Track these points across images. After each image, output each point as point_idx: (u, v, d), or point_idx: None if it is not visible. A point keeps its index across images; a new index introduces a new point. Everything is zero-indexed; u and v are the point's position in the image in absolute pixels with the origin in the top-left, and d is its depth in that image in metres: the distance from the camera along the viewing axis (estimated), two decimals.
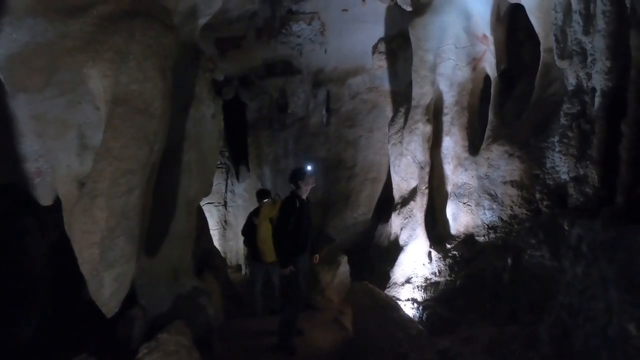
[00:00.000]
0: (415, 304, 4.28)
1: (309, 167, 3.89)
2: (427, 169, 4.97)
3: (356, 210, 7.13)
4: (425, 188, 4.97)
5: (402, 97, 6.29)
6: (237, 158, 9.06)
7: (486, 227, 4.15)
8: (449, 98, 4.87)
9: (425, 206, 4.93)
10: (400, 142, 5.44)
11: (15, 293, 3.67)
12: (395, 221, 5.32)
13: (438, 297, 4.20)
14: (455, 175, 4.71)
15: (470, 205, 4.38)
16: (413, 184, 5.20)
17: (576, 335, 2.03)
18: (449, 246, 4.51)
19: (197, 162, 3.59)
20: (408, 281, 4.62)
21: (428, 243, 4.73)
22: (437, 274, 4.42)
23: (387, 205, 6.31)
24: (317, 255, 4.10)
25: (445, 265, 4.40)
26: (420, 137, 4.97)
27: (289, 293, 3.73)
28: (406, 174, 5.28)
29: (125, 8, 2.48)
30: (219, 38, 6.79)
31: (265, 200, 4.95)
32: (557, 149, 3.28)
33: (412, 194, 5.17)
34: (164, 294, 3.42)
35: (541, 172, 3.60)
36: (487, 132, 4.39)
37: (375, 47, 6.94)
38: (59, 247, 3.83)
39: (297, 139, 7.69)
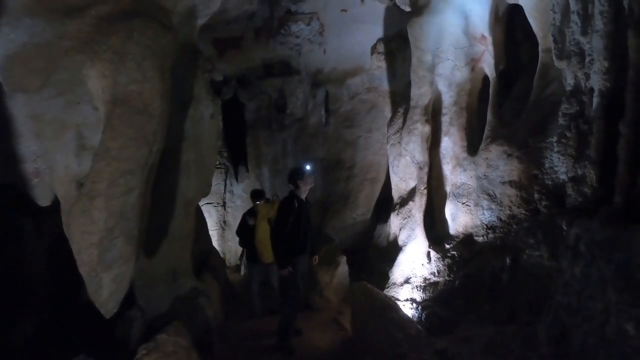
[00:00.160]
0: (414, 304, 4.28)
1: (307, 167, 3.87)
2: (426, 169, 4.98)
3: (355, 211, 7.14)
4: (424, 188, 4.97)
5: (400, 98, 6.30)
6: (236, 158, 9.05)
7: (485, 227, 4.16)
8: (447, 98, 4.88)
9: (424, 206, 4.94)
10: (399, 143, 5.44)
11: (13, 294, 3.66)
12: (394, 221, 5.33)
13: (437, 297, 4.20)
14: (454, 175, 4.71)
15: (469, 206, 4.39)
16: (412, 184, 5.20)
17: (574, 335, 2.03)
18: (447, 246, 4.52)
19: (195, 163, 3.58)
20: (407, 281, 4.62)
21: (427, 243, 4.73)
22: (436, 274, 4.42)
23: (386, 205, 6.31)
24: (317, 257, 4.09)
25: (444, 265, 4.41)
26: (419, 137, 4.97)
27: (287, 294, 3.73)
28: (405, 174, 5.28)
29: (124, 8, 2.48)
30: (217, 38, 6.79)
31: (258, 202, 4.92)
32: (555, 149, 3.29)
33: (411, 194, 5.17)
34: (162, 295, 3.42)
35: (540, 172, 3.61)
36: (486, 133, 4.40)
37: (374, 48, 6.95)
38: (57, 247, 3.82)
39: (296, 140, 7.68)
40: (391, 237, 5.42)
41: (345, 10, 6.50)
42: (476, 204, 4.29)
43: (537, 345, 2.25)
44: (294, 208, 3.57)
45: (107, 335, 3.19)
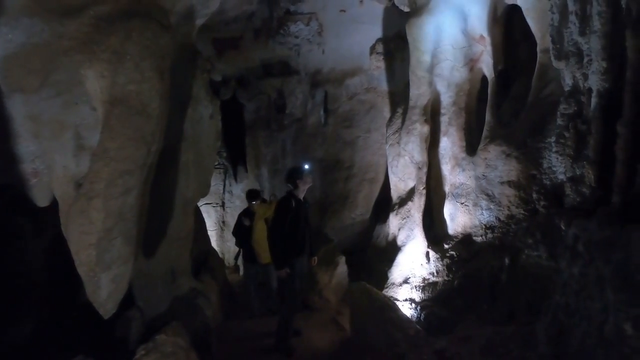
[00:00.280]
0: (413, 304, 4.29)
1: (306, 166, 3.85)
2: (425, 170, 4.98)
3: (354, 211, 7.14)
4: (423, 188, 4.97)
5: (399, 98, 6.30)
6: (235, 159, 9.04)
7: (484, 227, 4.16)
8: (446, 99, 4.88)
9: (423, 206, 4.94)
10: (397, 143, 5.44)
11: (11, 294, 3.65)
12: (393, 221, 5.33)
13: (436, 297, 4.20)
14: (452, 175, 4.72)
15: (467, 206, 4.39)
16: (411, 184, 5.20)
17: (573, 335, 2.03)
18: (446, 246, 4.52)
19: (194, 163, 3.58)
20: (406, 281, 4.62)
21: (426, 243, 4.74)
22: (435, 274, 4.42)
23: (384, 205, 6.32)
24: (316, 258, 4.05)
25: (443, 265, 4.41)
26: (418, 137, 4.97)
27: (284, 295, 3.71)
28: (404, 174, 5.29)
29: (122, 8, 2.48)
30: (216, 38, 6.79)
31: (254, 202, 4.92)
32: (553, 149, 3.29)
33: (410, 195, 5.17)
34: (161, 295, 3.41)
35: (538, 172, 3.61)
36: (485, 133, 4.41)
37: (372, 48, 6.95)
38: (55, 248, 3.82)
39: (294, 140, 7.68)
40: (390, 237, 5.42)
41: (344, 11, 6.51)
42: (475, 204, 4.29)
43: (535, 345, 2.26)
44: (291, 208, 3.53)
45: (106, 335, 3.18)
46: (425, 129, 4.95)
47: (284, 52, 7.12)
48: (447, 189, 4.76)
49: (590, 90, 2.60)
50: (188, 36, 3.42)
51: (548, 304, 2.32)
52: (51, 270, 4.01)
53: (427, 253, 4.63)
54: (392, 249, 5.16)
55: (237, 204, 8.72)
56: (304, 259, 3.73)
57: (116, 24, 2.41)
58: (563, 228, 2.87)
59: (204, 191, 3.88)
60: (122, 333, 3.15)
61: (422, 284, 4.45)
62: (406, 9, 5.17)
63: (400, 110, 5.79)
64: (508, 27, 4.71)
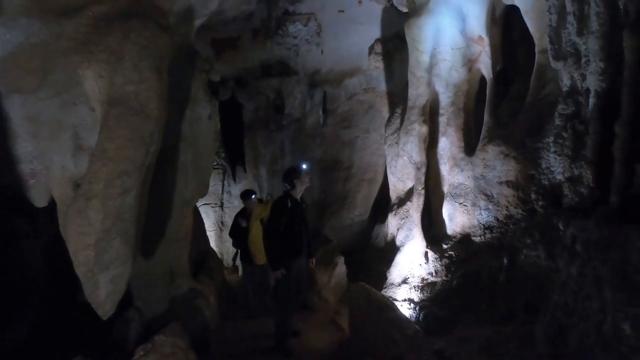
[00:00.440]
0: (412, 304, 4.29)
1: (304, 166, 3.77)
2: (424, 170, 4.99)
3: (353, 211, 7.14)
4: (422, 188, 4.98)
5: (398, 98, 6.31)
6: (234, 159, 9.03)
7: (482, 227, 4.17)
8: (444, 99, 4.89)
9: (421, 207, 4.95)
10: (396, 143, 5.45)
11: (10, 295, 3.64)
12: (392, 222, 5.33)
13: (434, 297, 4.21)
14: (451, 175, 4.72)
15: (466, 206, 4.40)
16: (409, 184, 5.21)
17: (571, 335, 2.04)
18: (445, 246, 4.53)
19: (193, 163, 3.58)
20: (405, 281, 4.62)
21: (424, 243, 4.74)
22: (434, 274, 4.43)
23: (383, 205, 6.32)
24: (314, 260, 4.01)
25: (441, 265, 4.41)
26: (417, 137, 4.98)
27: (279, 296, 3.70)
28: (402, 174, 5.29)
29: (121, 9, 2.47)
30: (215, 39, 6.78)
31: (248, 202, 4.91)
32: (552, 150, 3.30)
33: (409, 195, 5.18)
34: (160, 296, 3.41)
35: (536, 173, 3.62)
36: (483, 133, 4.41)
37: (371, 48, 6.96)
38: (54, 248, 3.81)
39: (293, 140, 7.68)
40: (389, 237, 5.43)
41: (342, 11, 6.51)
42: (473, 204, 4.30)
43: (534, 345, 2.26)
44: (287, 208, 3.49)
45: (105, 336, 3.18)
46: (424, 129, 4.95)
47: (282, 52, 7.12)
48: (445, 189, 4.77)
49: (588, 90, 2.61)
50: (186, 36, 3.42)
51: (546, 304, 2.33)
52: (49, 271, 4.00)
53: (426, 253, 4.64)
54: (390, 249, 5.16)
55: (236, 204, 8.70)
56: (301, 260, 3.68)
57: (114, 24, 2.40)
58: (561, 228, 2.88)
59: (202, 191, 3.88)
60: (121, 333, 3.14)
61: (420, 284, 4.45)
62: (405, 10, 5.18)
63: (398, 111, 5.80)
64: (506, 27, 4.72)
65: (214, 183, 8.62)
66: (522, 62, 4.84)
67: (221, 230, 8.86)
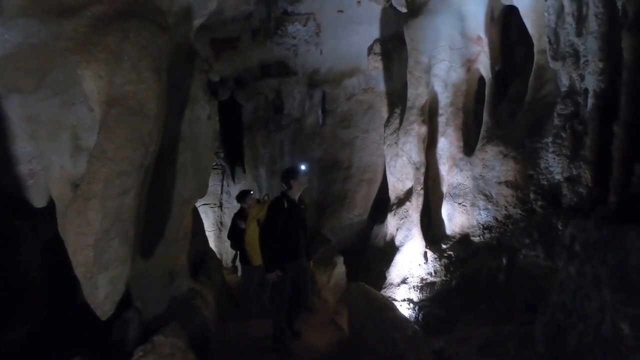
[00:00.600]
0: (411, 304, 4.29)
1: (302, 167, 3.72)
2: (423, 170, 4.99)
3: (352, 211, 7.14)
4: (421, 189, 4.98)
5: (397, 98, 6.31)
6: (233, 159, 9.03)
7: (481, 227, 4.17)
8: (443, 99, 4.90)
9: (420, 207, 4.95)
10: (395, 143, 5.45)
11: (8, 295, 3.63)
12: (391, 222, 5.33)
13: (434, 297, 4.21)
14: (450, 175, 4.73)
15: (465, 206, 4.41)
16: (408, 184, 5.21)
17: (570, 334, 2.04)
18: (444, 246, 4.53)
19: (192, 164, 3.57)
20: (404, 281, 4.63)
21: (424, 243, 4.75)
22: (433, 274, 4.43)
23: (382, 205, 6.32)
24: (311, 262, 3.98)
25: (440, 265, 4.42)
26: (416, 137, 4.98)
27: (274, 298, 3.69)
28: (402, 174, 5.29)
29: (120, 9, 2.47)
30: (214, 39, 6.78)
31: (245, 203, 4.90)
32: (550, 150, 3.31)
33: (408, 195, 5.18)
34: (159, 296, 3.40)
35: (535, 173, 3.63)
36: (482, 133, 4.42)
37: (370, 48, 6.96)
38: (52, 249, 3.80)
39: (292, 140, 7.68)
40: (388, 237, 5.43)
41: (341, 11, 6.52)
42: (472, 204, 4.30)
43: (533, 345, 2.27)
44: (283, 209, 3.45)
45: (104, 337, 3.17)
46: (423, 129, 4.96)
47: (281, 52, 7.12)
48: (444, 189, 4.77)
49: (586, 90, 2.62)
50: (186, 37, 3.41)
51: (545, 304, 2.33)
52: (48, 272, 4.00)
53: (425, 253, 4.64)
54: (390, 249, 5.17)
55: (235, 204, 8.67)
56: (298, 262, 3.62)
57: (113, 24, 2.40)
58: (560, 228, 2.88)
59: (201, 192, 3.87)
60: (120, 334, 3.14)
61: (420, 284, 4.46)
62: (404, 10, 5.18)
63: (398, 111, 5.80)
64: (505, 28, 4.73)
65: (213, 183, 8.62)
66: (521, 62, 4.84)
67: (220, 230, 8.86)
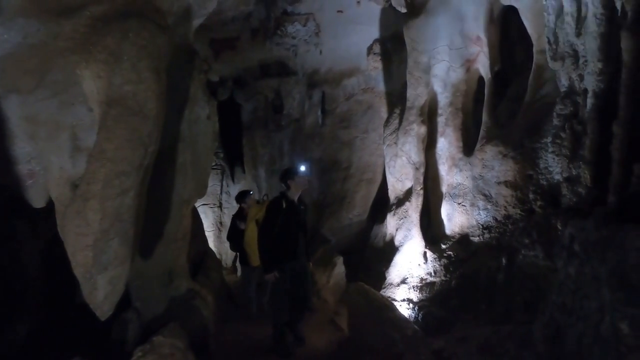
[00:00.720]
0: (411, 305, 4.29)
1: (302, 168, 3.65)
2: (422, 170, 4.99)
3: (351, 211, 7.14)
4: (420, 189, 4.98)
5: (396, 98, 6.31)
6: (232, 159, 9.03)
7: (481, 227, 4.18)
8: (443, 99, 4.90)
9: (420, 207, 4.95)
10: (395, 143, 5.45)
11: (7, 296, 3.63)
12: (391, 222, 5.34)
13: (433, 297, 4.21)
14: (449, 175, 4.73)
15: (464, 206, 4.41)
16: (408, 184, 5.21)
17: (569, 334, 2.04)
18: (444, 246, 4.53)
19: (191, 164, 3.57)
20: (403, 282, 4.63)
21: (423, 243, 4.75)
22: (433, 274, 4.43)
23: (382, 206, 6.32)
24: (310, 263, 3.96)
25: (440, 265, 4.42)
26: (415, 138, 4.99)
27: (272, 299, 3.69)
28: (401, 174, 5.30)
29: (119, 9, 2.47)
30: (213, 39, 6.77)
31: (244, 204, 4.89)
32: (550, 150, 3.31)
33: (407, 195, 5.18)
34: (158, 297, 3.40)
35: (534, 173, 3.63)
36: (481, 133, 4.42)
37: (370, 49, 6.96)
38: (52, 249, 3.79)
39: (292, 140, 7.68)
40: (387, 237, 5.43)
41: (341, 11, 6.51)
42: (472, 204, 4.31)
43: (532, 345, 2.27)
44: (281, 210, 3.43)
45: (103, 337, 3.17)
46: (423, 129, 4.96)
47: (281, 52, 7.12)
48: (444, 189, 4.78)
49: (586, 91, 2.62)
50: (185, 37, 3.41)
51: (545, 304, 2.33)
52: (47, 272, 3.99)
53: (425, 253, 4.64)
54: (389, 250, 5.17)
55: (235, 204, 8.66)
56: (297, 262, 3.57)
57: (113, 24, 2.40)
58: (559, 228, 2.89)
59: (201, 192, 3.87)
60: (119, 334, 3.14)
61: (419, 284, 4.46)
62: (403, 10, 5.19)
63: (397, 111, 5.80)
64: (504, 28, 4.73)
65: (213, 183, 8.61)
66: (520, 62, 4.85)
67: (220, 230, 8.85)
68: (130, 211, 2.38)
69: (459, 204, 4.47)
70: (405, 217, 5.06)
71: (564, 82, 2.93)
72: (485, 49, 4.49)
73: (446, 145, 4.83)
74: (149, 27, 2.49)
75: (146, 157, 2.47)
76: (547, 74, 3.74)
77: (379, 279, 4.90)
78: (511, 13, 4.49)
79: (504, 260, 3.55)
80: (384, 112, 6.97)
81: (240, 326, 4.61)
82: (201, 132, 3.67)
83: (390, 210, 5.40)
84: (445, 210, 4.66)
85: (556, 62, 3.01)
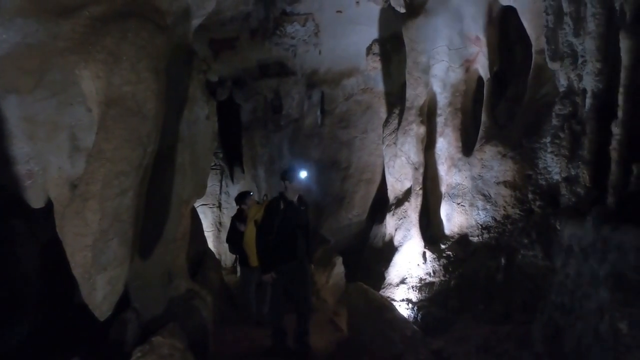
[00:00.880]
0: (410, 305, 4.30)
1: (302, 174, 3.59)
2: (421, 170, 5.00)
3: (351, 212, 7.14)
4: (420, 189, 4.99)
5: (396, 99, 6.32)
6: (232, 159, 9.02)
7: (480, 227, 4.18)
8: (442, 99, 4.90)
9: (419, 207, 4.96)
10: (394, 143, 5.46)
11: (6, 297, 3.62)
12: (390, 222, 5.34)
13: (432, 297, 4.22)
14: (449, 176, 4.74)
15: (464, 206, 4.41)
16: (407, 184, 5.22)
17: (568, 334, 2.05)
18: (443, 246, 4.54)
19: (190, 164, 3.56)
20: (403, 282, 4.63)
21: (422, 243, 4.75)
22: (432, 274, 4.44)
23: (381, 206, 6.33)
24: (312, 265, 3.95)
25: (439, 265, 4.42)
26: (414, 138, 4.99)
27: (271, 300, 3.69)
28: (400, 174, 5.30)
29: (118, 9, 2.47)
30: (212, 39, 6.77)
31: (244, 205, 4.89)
32: (549, 150, 3.32)
33: (407, 195, 5.18)
34: (157, 297, 3.39)
35: (533, 173, 3.64)
36: (480, 133, 4.43)
37: (369, 49, 6.96)
38: (50, 250, 3.79)
39: (291, 140, 7.68)
40: (387, 237, 5.43)
41: (340, 12, 6.51)
42: (471, 205, 4.31)
43: (532, 345, 2.27)
44: (279, 210, 3.42)
45: (102, 337, 3.16)
46: (422, 129, 4.97)
47: (280, 52, 7.11)
48: (443, 189, 4.78)
49: (584, 91, 2.62)
50: (184, 37, 3.41)
51: (544, 304, 2.34)
52: (46, 272, 3.98)
53: (424, 253, 4.65)
54: (388, 250, 5.17)
55: (234, 204, 8.65)
56: (296, 264, 3.53)
57: (111, 24, 2.39)
58: (558, 228, 2.89)
59: (200, 192, 3.86)
60: (118, 335, 3.13)
61: (418, 284, 4.46)
62: (402, 10, 5.19)
63: (396, 111, 5.81)
64: (503, 28, 4.74)
65: (212, 184, 8.61)
66: (519, 62, 4.85)
67: (219, 230, 8.85)
68: (129, 211, 2.37)
69: (458, 204, 4.48)
70: (405, 217, 5.06)
71: (562, 82, 2.93)
72: (485, 49, 4.49)
73: (445, 145, 4.84)
74: (147, 27, 2.49)
75: (145, 157, 2.47)
76: (546, 74, 3.75)
77: (378, 279, 4.91)
78: (510, 13, 4.49)
79: (503, 260, 3.55)
80: (383, 112, 6.97)
81: (239, 327, 4.61)
82: (200, 132, 3.66)
83: (390, 211, 5.40)
84: (445, 210, 4.66)
85: (555, 62, 3.01)
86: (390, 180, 5.59)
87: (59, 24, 2.37)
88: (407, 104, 5.13)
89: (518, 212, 3.79)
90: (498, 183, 4.02)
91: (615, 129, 2.29)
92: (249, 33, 6.77)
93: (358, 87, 7.31)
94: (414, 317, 4.11)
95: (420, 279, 4.49)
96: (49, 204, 2.78)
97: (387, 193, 5.72)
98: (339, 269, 5.43)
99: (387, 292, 4.63)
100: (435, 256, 4.51)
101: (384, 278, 4.87)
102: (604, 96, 2.47)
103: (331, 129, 7.47)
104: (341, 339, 4.09)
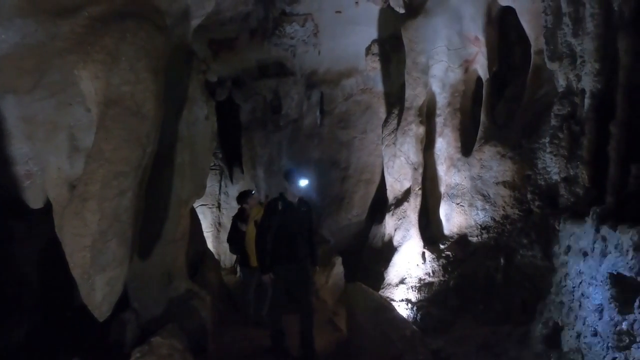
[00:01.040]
0: (410, 305, 4.30)
1: (302, 182, 3.54)
2: (421, 170, 5.00)
3: (350, 212, 7.14)
4: (419, 189, 4.99)
5: (395, 99, 6.32)
6: (231, 160, 9.02)
7: (479, 227, 4.18)
8: (441, 100, 4.91)
9: (418, 207, 4.96)
10: (393, 144, 5.46)
11: (5, 297, 3.62)
12: (389, 222, 5.34)
13: (432, 297, 4.22)
14: (448, 176, 4.74)
15: (463, 206, 4.42)
16: (406, 185, 5.22)
17: (568, 334, 2.05)
18: (442, 247, 4.54)
19: (190, 164, 3.56)
20: (402, 282, 4.63)
21: (422, 244, 4.75)
22: (431, 274, 4.44)
23: (380, 206, 6.33)
24: (317, 267, 3.90)
25: (438, 265, 4.43)
26: (414, 138, 4.99)
27: (270, 299, 3.69)
28: (400, 175, 5.30)
29: (117, 9, 2.47)
30: (212, 39, 6.76)
31: (245, 205, 4.89)
32: (547, 150, 3.32)
33: (406, 195, 5.19)
34: (157, 297, 3.39)
35: (532, 173, 3.64)
36: (480, 134, 4.43)
37: (368, 49, 6.96)
38: (49, 250, 3.78)
39: (291, 141, 7.68)
40: (386, 237, 5.43)
41: (339, 12, 6.51)
42: (470, 205, 4.31)
43: (531, 344, 2.27)
44: (277, 211, 3.42)
45: (101, 338, 3.16)
46: (421, 129, 4.97)
47: (279, 53, 7.11)
48: (442, 189, 4.78)
49: (583, 91, 2.63)
50: (183, 37, 3.41)
51: (543, 304, 2.34)
52: (45, 273, 3.98)
53: (423, 253, 4.65)
54: (388, 250, 5.17)
55: (233, 205, 8.66)
56: (296, 265, 3.50)
57: (110, 24, 2.39)
58: (557, 228, 2.89)
59: (199, 192, 3.86)
60: (118, 335, 3.13)
61: (418, 285, 4.46)
62: (401, 11, 5.19)
63: (395, 111, 5.81)
64: (503, 28, 4.74)
65: (211, 184, 8.60)
66: (518, 63, 4.86)
67: (218, 231, 8.84)
68: (128, 212, 2.37)
69: (458, 204, 4.48)
70: (404, 218, 5.06)
71: (561, 83, 2.93)
72: (484, 50, 4.50)
73: (444, 145, 4.84)
74: (146, 28, 2.49)
75: (144, 158, 2.47)
76: (545, 74, 3.75)
77: (378, 279, 4.91)
78: (509, 14, 4.50)
79: (502, 260, 3.55)
80: (382, 113, 6.97)
81: (238, 327, 4.60)
82: (199, 133, 3.67)
83: (389, 211, 5.40)
84: (444, 210, 4.67)
85: (554, 63, 3.02)
86: (389, 181, 5.60)
87: (57, 24, 2.37)
88: (406, 104, 5.13)
89: (517, 212, 3.79)
90: (497, 183, 4.02)
91: (614, 129, 2.30)
92: (248, 33, 6.76)
93: (357, 88, 7.31)
94: (414, 317, 4.11)
95: (420, 279, 4.49)
96: (48, 205, 2.78)
97: (386, 193, 5.72)
98: (339, 269, 5.43)
99: (387, 292, 4.63)
100: (434, 256, 4.51)
101: (383, 278, 4.87)
102: (603, 96, 2.48)
103: (330, 129, 7.47)
104: (340, 339, 4.09)
